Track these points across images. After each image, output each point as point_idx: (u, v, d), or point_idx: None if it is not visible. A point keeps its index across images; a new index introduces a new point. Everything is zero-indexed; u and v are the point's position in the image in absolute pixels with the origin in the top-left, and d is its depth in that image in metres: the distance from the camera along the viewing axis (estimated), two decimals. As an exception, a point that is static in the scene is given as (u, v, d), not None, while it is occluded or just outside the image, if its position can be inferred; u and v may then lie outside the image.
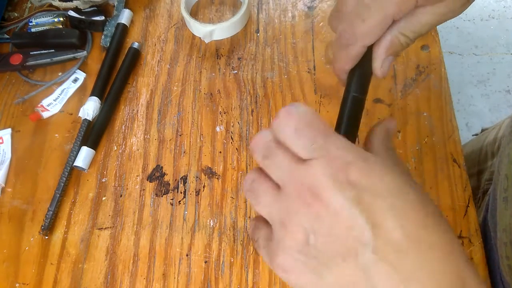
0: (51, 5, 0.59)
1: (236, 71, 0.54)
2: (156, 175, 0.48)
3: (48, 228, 0.45)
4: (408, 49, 0.54)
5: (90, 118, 0.51)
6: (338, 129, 0.31)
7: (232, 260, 0.44)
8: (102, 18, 0.57)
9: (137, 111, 0.52)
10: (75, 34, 0.55)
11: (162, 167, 0.49)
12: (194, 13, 0.58)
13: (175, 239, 0.45)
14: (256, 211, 0.29)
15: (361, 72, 0.31)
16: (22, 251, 0.45)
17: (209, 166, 0.48)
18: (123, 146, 0.50)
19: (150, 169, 0.49)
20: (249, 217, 0.45)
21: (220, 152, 0.49)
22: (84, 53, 0.56)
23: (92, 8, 0.57)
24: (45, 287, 0.43)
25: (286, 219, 0.25)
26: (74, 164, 0.48)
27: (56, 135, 0.51)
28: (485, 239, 0.47)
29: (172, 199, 0.47)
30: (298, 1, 0.58)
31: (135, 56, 0.55)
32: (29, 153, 0.50)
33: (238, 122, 0.51)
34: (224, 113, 0.51)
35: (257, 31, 0.56)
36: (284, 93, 0.52)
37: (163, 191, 0.47)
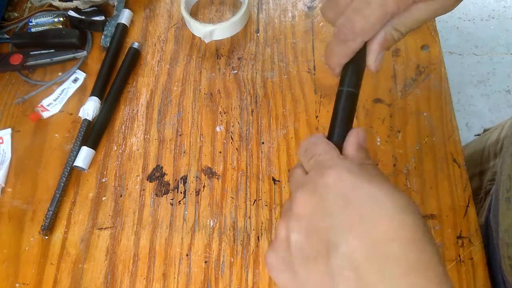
0: (51, 5, 0.59)
1: (236, 71, 0.54)
2: (156, 175, 0.48)
3: (48, 228, 0.45)
4: (408, 49, 0.54)
5: (90, 118, 0.51)
6: (333, 127, 0.31)
7: (232, 260, 0.44)
8: (102, 18, 0.57)
9: (137, 111, 0.52)
10: (75, 34, 0.55)
11: (162, 167, 0.49)
12: (194, 13, 0.58)
13: (175, 239, 0.45)
14: None
15: (355, 66, 0.31)
16: (22, 251, 0.45)
17: (209, 166, 0.48)
18: (123, 146, 0.50)
19: (150, 169, 0.49)
20: (249, 217, 0.45)
21: (220, 152, 0.49)
22: (84, 53, 0.56)
23: (92, 8, 0.57)
24: (45, 287, 0.43)
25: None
26: (74, 164, 0.48)
27: (56, 135, 0.51)
28: (487, 240, 0.47)
29: (172, 199, 0.47)
30: (298, 1, 0.58)
31: (135, 56, 0.55)
32: (29, 153, 0.50)
33: (238, 122, 0.51)
34: (224, 113, 0.51)
35: (257, 31, 0.56)
36: (284, 93, 0.52)
37: (163, 191, 0.47)
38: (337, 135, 0.31)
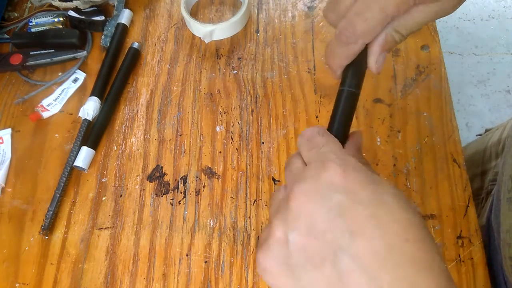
0: (51, 5, 0.59)
1: (236, 71, 0.54)
2: (156, 175, 0.48)
3: (48, 228, 0.45)
4: (408, 49, 0.54)
5: (90, 118, 0.51)
6: (332, 124, 0.31)
7: (232, 260, 0.44)
8: (102, 18, 0.57)
9: (137, 111, 0.52)
10: (75, 34, 0.55)
11: (162, 167, 0.49)
12: (194, 13, 0.58)
13: (175, 239, 0.45)
14: None
15: (357, 68, 0.32)
16: (22, 251, 0.45)
17: (209, 166, 0.48)
18: (123, 146, 0.50)
19: (150, 169, 0.49)
20: (249, 217, 0.45)
21: (220, 152, 0.49)
22: (84, 53, 0.56)
23: (92, 8, 0.57)
24: (45, 287, 0.43)
25: (271, 219, 0.27)
26: (74, 164, 0.48)
27: (56, 135, 0.51)
28: (489, 240, 0.47)
29: (172, 199, 0.47)
30: (298, 1, 0.58)
31: (135, 56, 0.55)
32: (29, 153, 0.50)
33: (238, 122, 0.51)
34: (224, 113, 0.51)
35: (257, 31, 0.56)
36: (284, 93, 0.52)
37: (163, 191, 0.47)
38: (335, 132, 0.31)
